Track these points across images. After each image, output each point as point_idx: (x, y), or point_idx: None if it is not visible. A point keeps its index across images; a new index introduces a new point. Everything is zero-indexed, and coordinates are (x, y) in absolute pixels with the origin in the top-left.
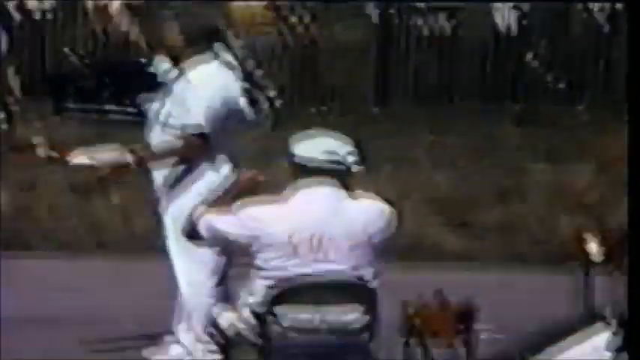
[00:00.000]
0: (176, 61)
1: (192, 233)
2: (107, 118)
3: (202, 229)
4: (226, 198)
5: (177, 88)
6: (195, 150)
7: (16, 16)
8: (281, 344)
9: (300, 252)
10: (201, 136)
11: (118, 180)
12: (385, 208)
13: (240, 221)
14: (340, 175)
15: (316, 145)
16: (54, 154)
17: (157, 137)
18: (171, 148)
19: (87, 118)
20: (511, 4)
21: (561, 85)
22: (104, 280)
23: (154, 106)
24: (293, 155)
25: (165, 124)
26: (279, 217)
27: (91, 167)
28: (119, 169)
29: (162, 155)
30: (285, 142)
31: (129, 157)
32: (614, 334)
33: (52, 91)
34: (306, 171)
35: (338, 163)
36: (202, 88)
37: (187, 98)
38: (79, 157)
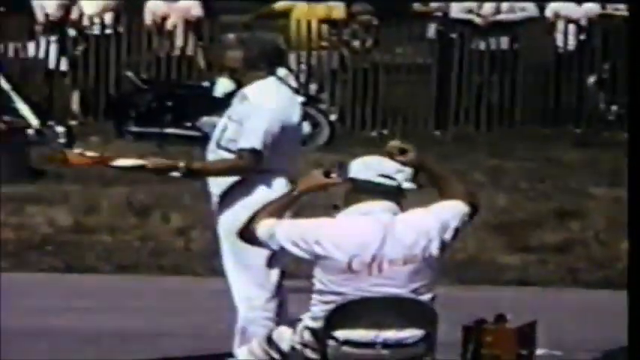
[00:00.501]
0: (238, 83)
1: (249, 235)
2: (168, 141)
3: (262, 233)
4: (282, 203)
5: (238, 109)
6: (245, 166)
7: (78, 37)
8: (337, 359)
9: (359, 276)
10: (254, 153)
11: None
12: (434, 211)
13: (302, 238)
14: (394, 194)
15: (371, 167)
16: (93, 154)
17: (213, 156)
18: (223, 162)
19: (148, 141)
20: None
21: (622, 110)
22: (164, 301)
23: (217, 128)
24: (349, 178)
25: (219, 144)
26: (338, 239)
27: (138, 168)
28: (166, 170)
29: (212, 168)
30: (344, 164)
31: (180, 164)
32: None
33: (113, 113)
34: (362, 193)
35: (389, 179)
36: (262, 109)
37: (246, 118)
38: (126, 161)
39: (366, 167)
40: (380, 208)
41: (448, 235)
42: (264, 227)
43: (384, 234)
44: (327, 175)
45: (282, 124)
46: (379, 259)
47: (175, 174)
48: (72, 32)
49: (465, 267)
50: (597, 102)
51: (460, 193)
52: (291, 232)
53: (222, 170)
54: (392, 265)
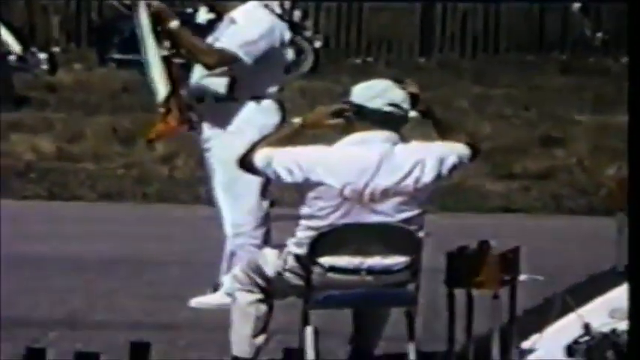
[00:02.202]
0: (217, 13)
1: (247, 164)
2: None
3: (259, 160)
4: (285, 134)
5: (226, 31)
6: (208, 56)
7: None
8: (321, 285)
9: (351, 202)
10: (224, 52)
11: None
12: (436, 148)
13: (297, 164)
14: (398, 123)
15: (380, 94)
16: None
17: (208, 82)
18: (199, 41)
19: (131, 68)
20: None
21: (607, 36)
22: (148, 228)
23: None
24: (354, 104)
25: (222, 73)
26: (333, 166)
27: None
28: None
29: (185, 41)
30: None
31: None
32: None
33: (96, 40)
34: (368, 121)
35: (398, 109)
36: (247, 25)
37: (232, 31)
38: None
39: (374, 94)
40: (381, 137)
41: (445, 169)
42: (261, 155)
43: (380, 163)
44: (338, 114)
45: (269, 45)
46: (372, 188)
47: (173, 24)
48: None
49: (449, 194)
50: (582, 28)
51: (462, 140)
52: (286, 159)
53: (193, 47)
54: (384, 194)
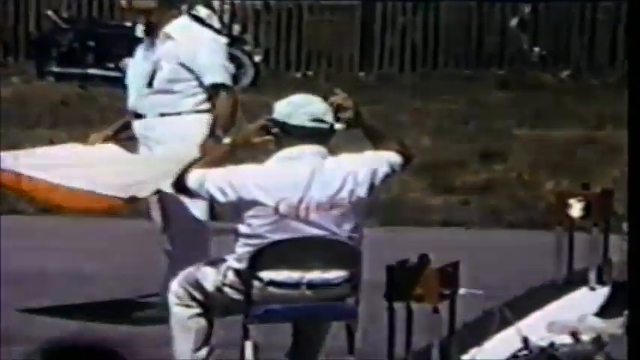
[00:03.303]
0: (149, 25)
1: (181, 186)
2: (90, 82)
3: (192, 182)
4: (217, 155)
5: (166, 49)
6: (233, 101)
7: None
8: (261, 300)
9: (286, 219)
10: (227, 89)
11: None
12: (368, 157)
13: (229, 184)
14: (324, 137)
15: (300, 110)
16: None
17: (154, 102)
18: (221, 107)
19: (70, 81)
20: None
21: (545, 52)
22: (87, 242)
23: (139, 71)
24: (277, 121)
25: (151, 85)
26: (266, 183)
27: None
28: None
29: (224, 116)
30: (269, 105)
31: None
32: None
33: (34, 53)
34: (290, 135)
35: (321, 123)
36: (207, 43)
37: (193, 56)
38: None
39: (295, 110)
40: (310, 151)
41: (377, 180)
42: (193, 177)
43: (312, 177)
44: (264, 129)
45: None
46: (306, 202)
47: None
48: None
49: (389, 208)
50: (520, 43)
51: (394, 147)
52: (218, 180)
53: (231, 116)
54: (319, 208)
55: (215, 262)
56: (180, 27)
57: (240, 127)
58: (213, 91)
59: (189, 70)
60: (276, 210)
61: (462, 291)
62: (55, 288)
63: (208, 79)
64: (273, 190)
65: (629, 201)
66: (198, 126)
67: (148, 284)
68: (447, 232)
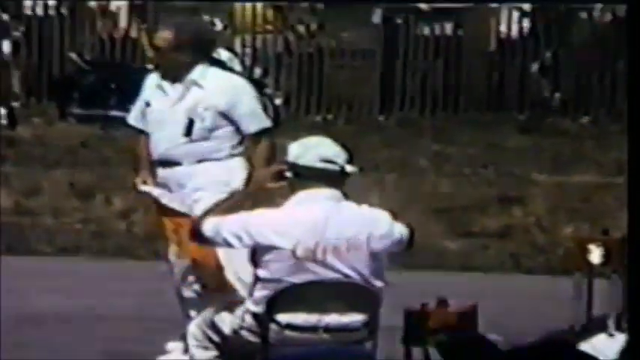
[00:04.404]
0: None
1: (197, 235)
2: (111, 124)
3: (208, 230)
4: (233, 202)
5: (199, 98)
6: (274, 147)
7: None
8: (278, 343)
9: (304, 262)
10: (267, 133)
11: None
12: (385, 215)
13: (245, 230)
14: (337, 179)
15: (311, 151)
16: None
17: (192, 150)
18: (260, 154)
19: (91, 123)
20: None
21: (565, 97)
22: (105, 283)
23: (168, 120)
24: (290, 164)
25: (189, 135)
26: (282, 227)
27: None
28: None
29: (261, 161)
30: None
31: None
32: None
33: (56, 95)
34: (304, 179)
35: (331, 164)
36: (242, 90)
37: (225, 105)
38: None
39: (305, 151)
40: (323, 195)
41: (388, 244)
42: (209, 225)
43: (328, 220)
44: (278, 174)
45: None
46: (323, 245)
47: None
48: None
49: (408, 252)
50: (541, 89)
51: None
52: (234, 226)
53: (267, 160)
54: (336, 251)
55: (232, 306)
56: (206, 73)
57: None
58: (256, 137)
59: (229, 119)
60: (293, 253)
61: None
62: (73, 328)
63: (252, 128)
64: (289, 234)
65: (629, 203)
66: (237, 170)
67: (163, 326)
68: (465, 276)
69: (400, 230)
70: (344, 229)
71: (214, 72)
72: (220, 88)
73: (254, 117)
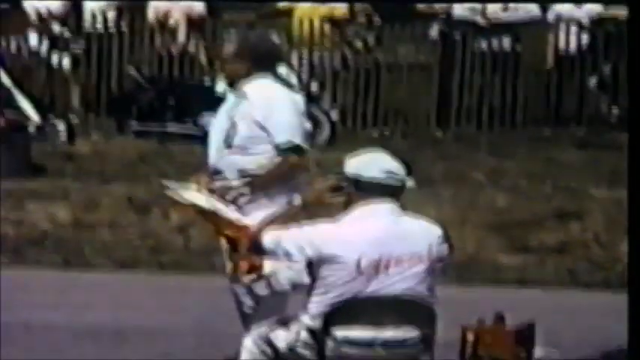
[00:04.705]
0: (228, 80)
1: (256, 246)
2: (169, 139)
3: (268, 242)
4: (289, 214)
5: (241, 108)
6: (296, 166)
7: (78, 34)
8: (335, 358)
9: (367, 274)
10: (296, 151)
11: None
12: (438, 228)
13: (308, 241)
14: (397, 193)
15: (374, 164)
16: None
17: (232, 161)
18: (275, 167)
19: (149, 138)
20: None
21: (624, 112)
22: (163, 298)
23: (218, 128)
24: (352, 176)
25: (229, 144)
26: (346, 239)
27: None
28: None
29: (271, 176)
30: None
31: (244, 190)
32: None
33: (115, 110)
34: (366, 191)
35: (395, 179)
36: (276, 105)
37: (267, 115)
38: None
39: (369, 164)
40: (385, 208)
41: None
42: (269, 236)
43: (391, 234)
44: (335, 188)
45: (299, 118)
46: (386, 259)
47: (243, 200)
48: (67, 31)
49: (465, 267)
50: (599, 103)
51: None
52: (296, 238)
53: (277, 175)
54: (398, 264)
55: (287, 322)
56: (257, 86)
57: (313, 185)
58: (283, 152)
59: (264, 129)
60: (357, 266)
61: (538, 352)
62: (128, 344)
63: (279, 139)
64: (354, 246)
65: (630, 203)
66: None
67: (222, 340)
68: (522, 291)
69: (446, 247)
70: (405, 242)
71: (264, 84)
72: (261, 99)
73: (285, 129)
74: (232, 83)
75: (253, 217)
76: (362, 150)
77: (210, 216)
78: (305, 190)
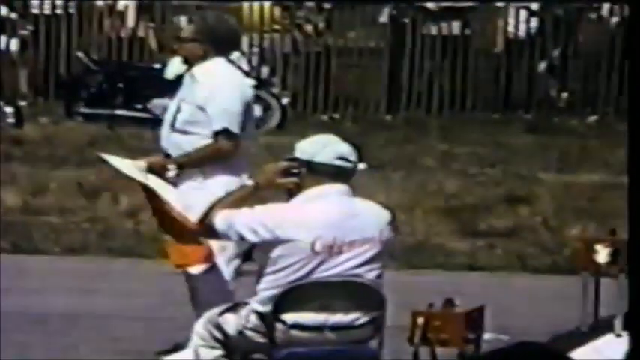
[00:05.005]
0: (186, 61)
1: (206, 229)
2: (118, 123)
3: (219, 224)
4: (239, 197)
5: (190, 90)
6: (225, 149)
7: (25, 17)
8: (284, 343)
9: (320, 256)
10: (229, 134)
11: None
12: (388, 214)
13: (262, 223)
14: (348, 177)
15: (326, 148)
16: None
17: (175, 142)
18: (203, 150)
19: (98, 122)
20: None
21: (572, 97)
22: (113, 283)
23: (169, 110)
24: (304, 161)
25: (173, 126)
26: (301, 221)
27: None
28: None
29: (196, 158)
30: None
31: (170, 166)
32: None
33: (64, 94)
34: (319, 175)
35: (347, 163)
36: (223, 89)
37: (207, 100)
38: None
39: (321, 149)
40: (337, 190)
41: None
42: (221, 219)
43: (344, 216)
44: (286, 172)
45: (239, 101)
46: (340, 241)
47: (170, 174)
48: (14, 13)
49: (415, 251)
50: (547, 88)
51: None
52: (249, 220)
53: (205, 158)
54: (351, 247)
55: (236, 306)
56: (207, 68)
57: (263, 168)
58: (216, 137)
59: (204, 112)
60: (312, 247)
61: (487, 336)
62: (78, 328)
63: (215, 126)
64: (309, 228)
65: (630, 200)
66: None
67: (171, 325)
68: (472, 276)
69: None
70: (358, 226)
71: (214, 66)
72: (207, 82)
73: (222, 116)
74: (190, 65)
75: (189, 196)
76: (311, 134)
77: (151, 195)
78: (256, 173)
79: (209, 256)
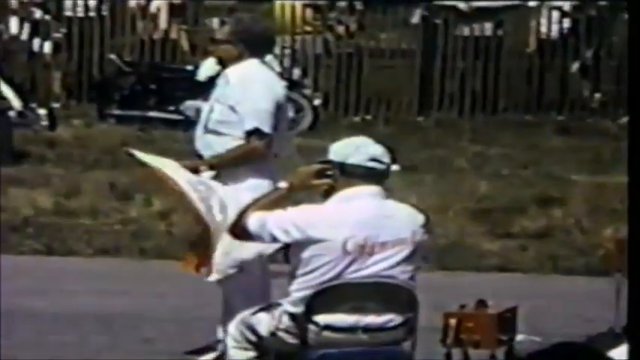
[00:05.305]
0: (221, 63)
1: (239, 230)
2: (150, 124)
3: (252, 225)
4: (273, 198)
5: (223, 91)
6: (257, 149)
7: (58, 20)
8: (316, 344)
9: (352, 256)
10: (261, 134)
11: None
12: (422, 216)
13: (294, 224)
14: (381, 178)
15: (359, 150)
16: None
17: (208, 142)
18: (235, 150)
19: (130, 124)
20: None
21: (605, 98)
22: (145, 284)
23: (203, 111)
24: (337, 162)
25: (206, 127)
26: (333, 221)
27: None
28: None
29: (228, 158)
30: (327, 149)
31: (202, 167)
32: None
33: (96, 96)
34: (352, 177)
35: (380, 165)
36: (255, 90)
37: (240, 101)
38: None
39: (354, 150)
40: (369, 192)
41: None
42: (254, 220)
43: (376, 217)
44: (320, 173)
45: (274, 105)
46: (372, 242)
47: (203, 176)
48: (48, 16)
49: (447, 253)
50: (580, 89)
51: None
52: (282, 221)
53: (237, 158)
54: (383, 247)
55: (269, 307)
56: (240, 69)
57: (297, 170)
58: (248, 137)
59: (236, 113)
60: (343, 247)
61: (519, 337)
62: (112, 330)
63: (247, 125)
64: (341, 228)
65: (630, 200)
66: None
67: (204, 326)
68: (504, 277)
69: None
70: (390, 226)
71: (247, 68)
72: (239, 84)
73: (254, 115)
74: (224, 66)
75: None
76: (343, 136)
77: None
78: (290, 175)
79: (201, 264)
